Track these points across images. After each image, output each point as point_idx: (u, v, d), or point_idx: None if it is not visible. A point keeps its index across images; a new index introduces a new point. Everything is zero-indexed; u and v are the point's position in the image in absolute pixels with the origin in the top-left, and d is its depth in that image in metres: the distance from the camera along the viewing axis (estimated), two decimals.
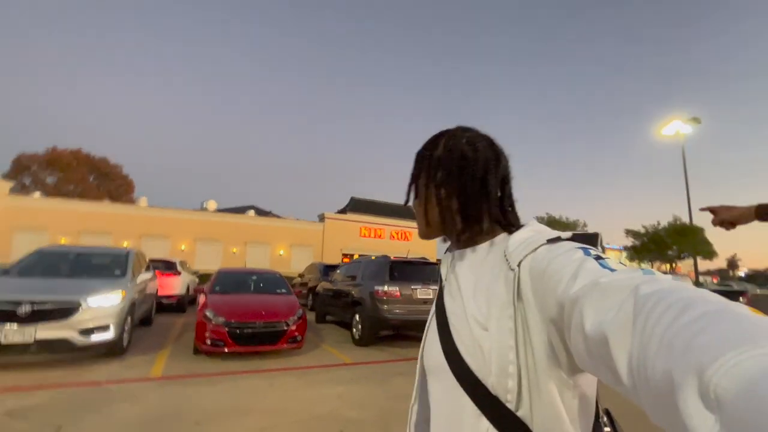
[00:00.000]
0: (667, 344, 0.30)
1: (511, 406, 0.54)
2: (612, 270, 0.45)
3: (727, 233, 1.36)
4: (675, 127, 18.79)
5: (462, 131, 0.73)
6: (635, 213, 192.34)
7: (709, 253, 28.64)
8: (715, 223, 1.32)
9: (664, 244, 28.29)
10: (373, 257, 7.98)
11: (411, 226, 27.56)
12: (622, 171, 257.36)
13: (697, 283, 20.90)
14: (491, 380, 0.55)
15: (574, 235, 0.58)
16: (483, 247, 0.68)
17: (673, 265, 29.09)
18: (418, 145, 0.76)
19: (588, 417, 0.57)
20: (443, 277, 0.74)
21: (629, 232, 31.29)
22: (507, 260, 0.59)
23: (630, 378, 0.34)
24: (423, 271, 7.31)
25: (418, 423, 0.73)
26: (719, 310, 0.31)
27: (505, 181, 0.71)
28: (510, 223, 0.68)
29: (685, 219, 24.46)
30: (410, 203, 0.76)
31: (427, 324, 0.72)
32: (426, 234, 0.75)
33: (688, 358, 0.28)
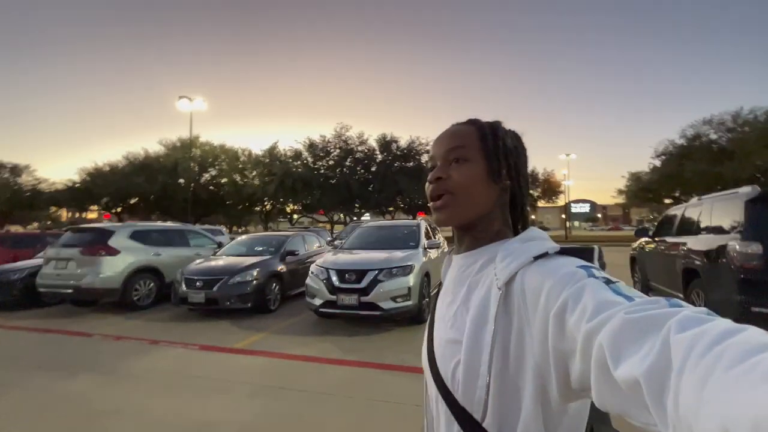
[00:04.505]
0: (714, 392, 0.28)
1: (477, 417, 0.53)
2: (628, 298, 0.41)
3: None
4: None
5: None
6: None
7: None
8: None
9: None
10: None
11: None
12: None
13: None
14: (459, 391, 0.56)
15: (563, 249, 0.55)
16: (485, 251, 0.63)
17: None
18: None
19: None
20: (443, 276, 0.73)
21: None
22: (496, 276, 0.56)
23: (668, 427, 0.32)
24: None
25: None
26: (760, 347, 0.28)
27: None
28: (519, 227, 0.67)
29: None
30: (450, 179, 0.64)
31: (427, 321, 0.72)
32: (457, 218, 0.64)
33: (738, 409, 0.26)
